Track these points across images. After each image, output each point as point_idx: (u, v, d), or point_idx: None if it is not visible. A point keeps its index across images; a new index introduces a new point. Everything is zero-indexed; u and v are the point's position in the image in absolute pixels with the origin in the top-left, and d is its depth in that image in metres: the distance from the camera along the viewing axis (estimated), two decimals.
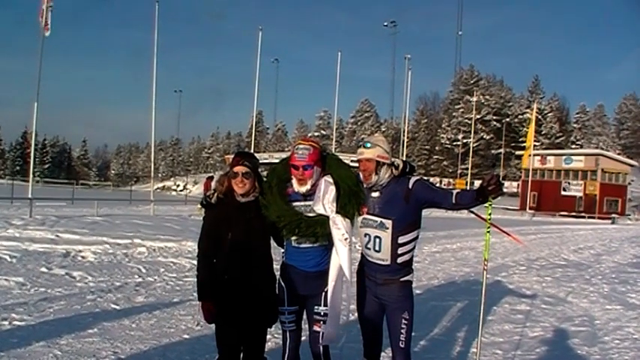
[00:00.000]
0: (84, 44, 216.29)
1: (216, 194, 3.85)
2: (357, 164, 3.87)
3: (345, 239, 3.68)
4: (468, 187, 31.47)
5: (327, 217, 3.71)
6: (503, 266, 13.33)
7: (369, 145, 3.81)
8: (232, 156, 3.98)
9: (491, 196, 3.59)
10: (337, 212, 3.71)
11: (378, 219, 3.79)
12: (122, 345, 5.59)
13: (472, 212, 4.28)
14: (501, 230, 4.91)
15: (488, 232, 4.10)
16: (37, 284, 8.18)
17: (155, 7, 26.71)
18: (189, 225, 17.03)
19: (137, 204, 31.35)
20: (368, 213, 3.85)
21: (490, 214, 4.01)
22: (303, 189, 3.79)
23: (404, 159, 4.08)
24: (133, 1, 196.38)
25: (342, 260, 3.69)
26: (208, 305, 3.76)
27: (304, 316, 4.03)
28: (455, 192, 3.74)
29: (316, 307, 3.90)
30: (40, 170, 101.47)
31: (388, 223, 3.76)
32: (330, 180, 3.79)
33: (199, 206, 4.04)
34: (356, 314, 4.12)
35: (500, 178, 3.68)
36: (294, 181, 3.83)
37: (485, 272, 4.20)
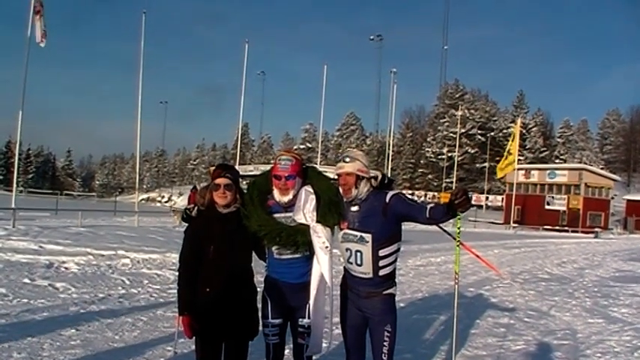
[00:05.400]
0: (70, 54, 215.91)
1: (196, 207, 3.88)
2: (337, 178, 3.90)
3: (326, 247, 3.74)
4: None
5: (308, 226, 3.76)
6: (486, 280, 13.37)
7: (348, 159, 3.85)
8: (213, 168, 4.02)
9: (459, 210, 3.60)
10: (317, 221, 3.76)
11: (358, 233, 3.83)
12: (105, 357, 5.57)
13: (441, 228, 4.28)
14: (465, 247, 4.92)
15: (458, 246, 4.11)
16: (20, 295, 8.12)
17: (142, 18, 26.77)
18: (174, 236, 16.95)
19: (121, 215, 31.12)
20: (348, 228, 3.88)
21: (459, 228, 4.00)
22: (285, 199, 3.84)
23: (385, 172, 4.11)
24: (120, 12, 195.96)
25: (322, 268, 3.74)
26: (189, 320, 3.75)
27: (288, 329, 4.04)
28: (429, 207, 3.74)
29: (300, 320, 3.93)
30: (23, 180, 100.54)
31: (368, 236, 3.79)
32: (311, 190, 3.86)
33: (179, 217, 4.07)
34: (339, 327, 4.14)
35: (469, 192, 3.69)
36: (275, 192, 3.89)
37: (457, 286, 4.22)
